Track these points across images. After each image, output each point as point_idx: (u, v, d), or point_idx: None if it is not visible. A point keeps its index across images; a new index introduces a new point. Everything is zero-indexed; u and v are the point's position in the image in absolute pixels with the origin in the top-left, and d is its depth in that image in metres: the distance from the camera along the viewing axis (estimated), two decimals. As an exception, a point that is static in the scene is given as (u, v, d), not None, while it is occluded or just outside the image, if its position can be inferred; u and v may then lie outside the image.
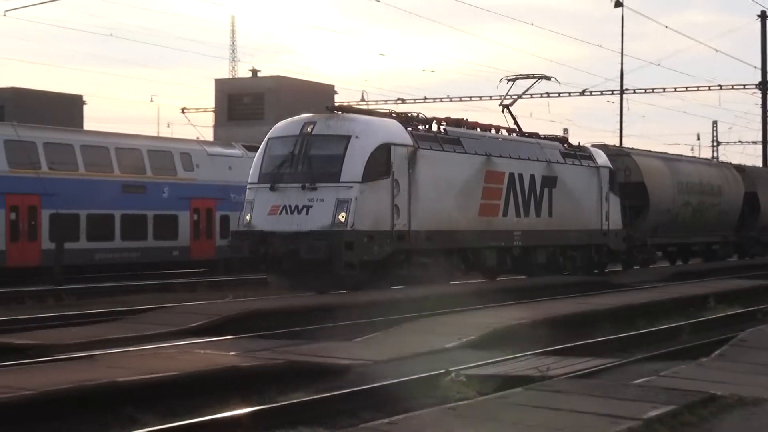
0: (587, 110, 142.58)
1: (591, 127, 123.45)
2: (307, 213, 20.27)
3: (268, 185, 20.75)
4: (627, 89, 51.43)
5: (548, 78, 30.26)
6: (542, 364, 11.75)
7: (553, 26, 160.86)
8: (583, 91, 53.75)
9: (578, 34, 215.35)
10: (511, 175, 25.94)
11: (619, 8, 45.36)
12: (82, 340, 13.84)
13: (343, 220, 19.98)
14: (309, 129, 21.05)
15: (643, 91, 54.22)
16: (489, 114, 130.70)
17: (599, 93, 53.61)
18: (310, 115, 21.93)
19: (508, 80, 29.89)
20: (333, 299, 19.45)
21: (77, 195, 28.89)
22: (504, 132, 27.87)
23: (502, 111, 29.88)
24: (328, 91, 31.26)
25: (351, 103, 37.11)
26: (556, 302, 20.20)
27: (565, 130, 61.99)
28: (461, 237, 23.75)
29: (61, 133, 30.45)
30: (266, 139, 21.87)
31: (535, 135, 29.20)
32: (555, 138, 30.23)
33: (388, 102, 53.06)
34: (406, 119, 22.94)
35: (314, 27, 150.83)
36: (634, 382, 10.04)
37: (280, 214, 20.48)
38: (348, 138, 20.72)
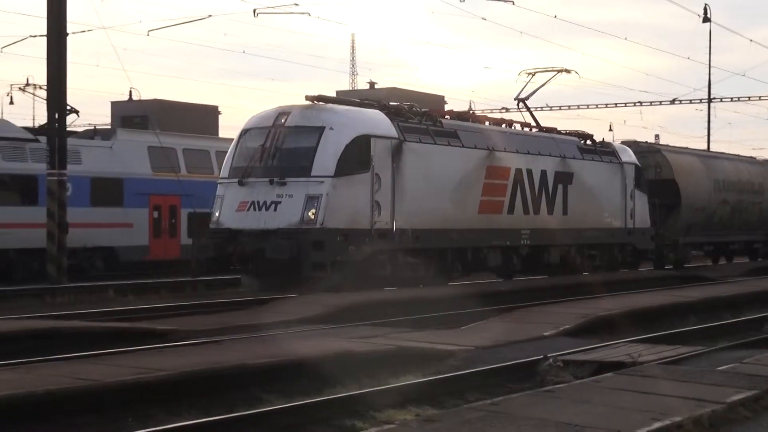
0: (677, 118, 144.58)
1: (680, 133, 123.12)
2: (275, 209, 18.78)
3: (237, 180, 19.45)
4: (714, 98, 52.73)
5: (568, 71, 28.61)
6: (633, 350, 12.28)
7: (645, 40, 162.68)
8: (673, 100, 54.63)
9: (668, 47, 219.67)
10: (518, 170, 24.35)
11: (707, 23, 46.46)
12: (213, 327, 15.16)
13: (312, 217, 18.48)
14: (282, 120, 19.59)
15: (730, 99, 54.99)
16: (583, 122, 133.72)
17: (688, 102, 54.83)
18: (287, 105, 20.46)
19: (528, 74, 28.43)
20: (430, 292, 20.21)
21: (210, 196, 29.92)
22: (518, 126, 26.31)
23: (517, 105, 28.39)
24: (439, 100, 30.37)
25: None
26: (641, 295, 21.54)
27: (657, 136, 62.42)
28: (458, 236, 22.17)
29: (198, 140, 32.18)
30: (240, 130, 20.51)
31: (552, 130, 27.55)
32: (575, 133, 28.45)
33: (494, 111, 54.46)
34: (394, 111, 21.33)
35: (427, 43, 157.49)
36: (719, 368, 10.49)
37: (248, 210, 19.05)
38: (321, 129, 19.13)
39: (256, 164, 19.34)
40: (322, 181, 18.66)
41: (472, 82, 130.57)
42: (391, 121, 20.65)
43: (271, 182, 18.84)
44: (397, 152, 20.24)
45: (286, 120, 19.55)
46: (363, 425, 9.05)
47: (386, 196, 19.90)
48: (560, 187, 26.14)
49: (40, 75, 26.67)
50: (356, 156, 19.28)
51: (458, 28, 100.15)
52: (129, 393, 9.39)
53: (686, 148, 36.22)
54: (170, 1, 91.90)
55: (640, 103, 55.81)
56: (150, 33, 33.65)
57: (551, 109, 56.93)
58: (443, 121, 22.79)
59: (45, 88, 24.52)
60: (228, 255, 19.04)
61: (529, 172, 24.82)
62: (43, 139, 24.36)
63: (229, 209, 19.37)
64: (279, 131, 19.43)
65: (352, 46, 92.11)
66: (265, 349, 11.91)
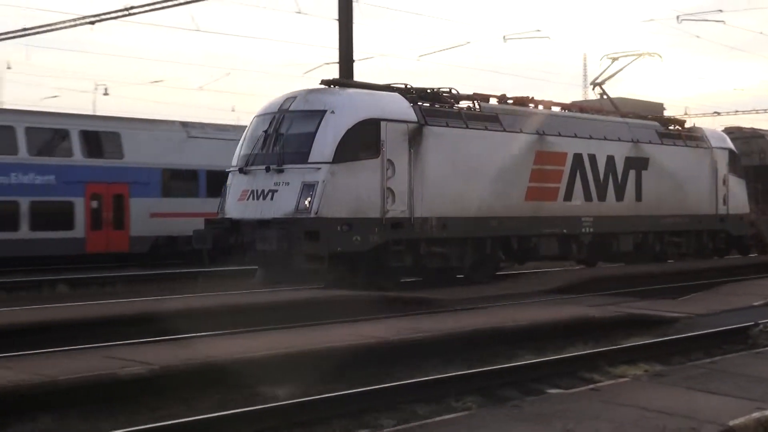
0: None
1: None
2: (272, 198, 17.75)
3: (239, 168, 18.56)
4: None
5: (651, 55, 26.79)
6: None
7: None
8: None
9: None
10: (578, 156, 22.57)
11: None
12: (471, 296, 17.65)
13: (308, 205, 17.38)
14: (288, 105, 18.56)
15: None
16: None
17: None
18: (297, 90, 19.34)
19: (610, 58, 26.87)
20: (654, 268, 23.84)
21: None
22: (597, 115, 24.52)
23: (593, 89, 26.74)
24: (658, 108, 29.44)
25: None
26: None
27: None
28: (498, 224, 20.54)
29: None
30: (252, 117, 19.59)
31: (627, 115, 25.58)
32: (657, 119, 26.47)
33: (706, 115, 56.72)
34: (416, 93, 19.89)
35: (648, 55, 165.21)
36: None
37: (248, 199, 18.05)
38: (323, 113, 17.89)
39: (258, 151, 18.38)
40: (320, 168, 17.38)
41: (687, 92, 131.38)
42: (412, 104, 19.20)
43: (267, 170, 17.81)
44: (416, 137, 18.78)
45: (291, 105, 18.52)
46: (600, 378, 10.44)
47: (402, 183, 18.45)
48: (632, 172, 24.22)
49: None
50: (361, 141, 17.86)
51: (674, 44, 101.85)
52: (412, 348, 11.63)
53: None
54: (435, 31, 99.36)
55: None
56: (420, 58, 35.03)
57: (757, 113, 60.58)
58: (484, 105, 21.17)
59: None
60: (229, 246, 18.14)
61: (592, 157, 22.99)
62: None
63: (233, 199, 18.49)
64: (283, 116, 18.38)
65: (584, 64, 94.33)
66: (518, 314, 14.32)
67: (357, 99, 18.67)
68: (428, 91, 20.15)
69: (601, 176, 23.30)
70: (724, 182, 26.86)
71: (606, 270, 23.81)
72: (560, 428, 6.80)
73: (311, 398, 8.95)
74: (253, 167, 18.23)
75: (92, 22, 26.03)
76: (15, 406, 8.41)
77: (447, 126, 19.58)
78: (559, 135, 22.22)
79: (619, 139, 23.98)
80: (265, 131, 18.43)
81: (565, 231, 22.27)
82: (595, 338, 13.25)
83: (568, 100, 27.06)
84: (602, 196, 23.30)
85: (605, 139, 23.51)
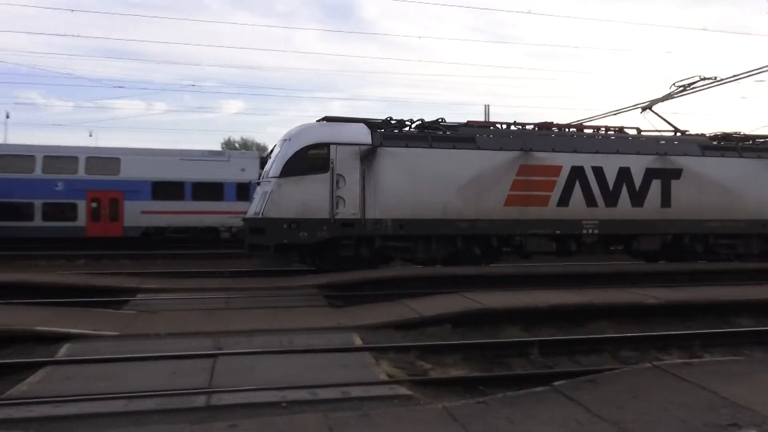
0: None
1: None
2: (252, 203, 24.76)
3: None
4: None
5: (704, 78, 28.98)
6: None
7: None
8: None
9: None
10: (577, 168, 26.04)
11: None
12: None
13: (261, 209, 23.85)
14: (283, 137, 24.88)
15: None
16: None
17: None
18: None
19: (677, 86, 29.49)
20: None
21: None
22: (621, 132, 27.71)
23: (641, 111, 29.53)
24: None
25: None
26: None
27: None
28: (469, 225, 25.01)
29: None
30: None
31: (681, 132, 28.38)
32: (719, 136, 29.04)
33: None
34: (378, 124, 25.09)
35: None
36: None
37: (251, 203, 25.12)
38: (285, 141, 24.33)
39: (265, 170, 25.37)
40: (270, 181, 23.94)
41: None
42: (372, 131, 24.64)
43: (258, 183, 24.87)
44: (369, 156, 24.11)
45: (283, 136, 25.06)
46: None
47: (353, 192, 23.90)
48: (656, 182, 26.84)
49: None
50: (308, 160, 23.64)
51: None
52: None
53: None
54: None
55: None
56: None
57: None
58: (464, 129, 25.76)
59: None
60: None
61: (598, 169, 26.27)
62: None
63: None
64: (276, 145, 25.01)
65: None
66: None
67: (310, 130, 24.46)
68: (393, 121, 25.41)
69: (610, 185, 26.40)
70: None
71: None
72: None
73: (635, 334, 15.04)
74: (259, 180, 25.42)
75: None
76: None
77: (406, 147, 24.63)
78: (554, 151, 25.95)
79: (638, 153, 26.81)
80: (269, 155, 25.36)
81: (558, 232, 25.99)
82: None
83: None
84: (611, 203, 26.37)
85: (618, 153, 26.59)
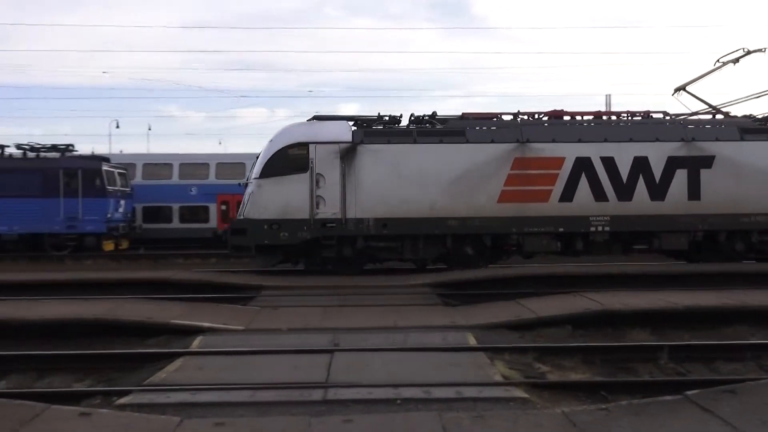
0: None
1: None
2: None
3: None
4: None
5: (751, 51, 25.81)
6: None
7: None
8: None
9: None
10: (582, 159, 24.49)
11: None
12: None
13: (243, 210, 24.48)
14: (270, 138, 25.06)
15: None
16: None
17: None
18: None
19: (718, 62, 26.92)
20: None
21: None
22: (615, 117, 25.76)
23: (672, 93, 26.92)
24: None
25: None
26: None
27: None
28: (458, 224, 24.28)
29: None
30: None
31: (717, 111, 25.39)
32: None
33: None
34: (361, 121, 24.79)
35: None
36: None
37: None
38: (269, 142, 24.56)
39: None
40: (251, 182, 24.42)
41: None
42: (355, 128, 24.42)
43: (241, 185, 25.61)
44: (349, 154, 23.94)
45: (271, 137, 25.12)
46: None
47: (333, 191, 23.89)
48: (681, 172, 24.51)
49: None
50: (287, 161, 23.82)
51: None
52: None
53: None
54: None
55: None
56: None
57: None
58: (453, 122, 24.93)
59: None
60: None
61: (608, 159, 24.46)
62: None
63: None
64: (264, 146, 25.01)
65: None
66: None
67: (290, 129, 24.62)
68: (385, 117, 25.07)
69: (624, 177, 24.43)
70: None
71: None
72: None
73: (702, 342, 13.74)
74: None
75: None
76: None
77: (388, 143, 24.23)
78: (554, 141, 24.48)
79: (658, 140, 24.53)
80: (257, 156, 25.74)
81: (561, 230, 24.47)
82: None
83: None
84: (625, 196, 24.42)
85: (631, 141, 24.53)
